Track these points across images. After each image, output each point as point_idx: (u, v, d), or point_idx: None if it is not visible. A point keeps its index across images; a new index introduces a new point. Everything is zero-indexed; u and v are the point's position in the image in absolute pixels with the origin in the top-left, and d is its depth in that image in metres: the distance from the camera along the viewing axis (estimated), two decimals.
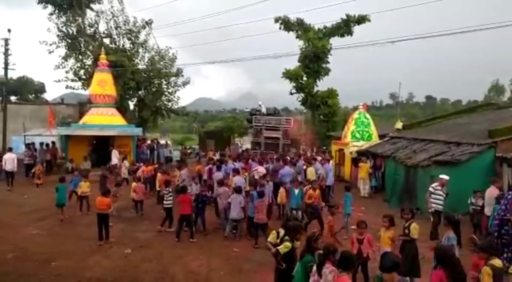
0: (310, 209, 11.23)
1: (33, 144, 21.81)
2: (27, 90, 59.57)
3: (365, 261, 7.30)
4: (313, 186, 11.71)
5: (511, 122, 13.97)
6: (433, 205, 10.57)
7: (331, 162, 17.52)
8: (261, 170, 14.17)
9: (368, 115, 22.25)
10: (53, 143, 22.19)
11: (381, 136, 21.50)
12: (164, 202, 11.60)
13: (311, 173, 14.93)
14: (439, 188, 10.58)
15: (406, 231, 7.31)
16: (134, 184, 13.51)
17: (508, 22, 11.77)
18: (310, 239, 5.69)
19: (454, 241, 6.91)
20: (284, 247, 6.25)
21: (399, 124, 22.49)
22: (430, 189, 10.74)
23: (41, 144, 21.93)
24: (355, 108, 24.36)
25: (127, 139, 22.52)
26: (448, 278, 4.86)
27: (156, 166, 17.46)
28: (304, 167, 15.85)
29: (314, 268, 5.22)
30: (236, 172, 13.41)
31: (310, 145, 34.85)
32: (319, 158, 17.47)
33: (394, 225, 7.35)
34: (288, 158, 18.04)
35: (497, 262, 5.20)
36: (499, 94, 62.32)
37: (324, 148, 28.03)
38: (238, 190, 10.86)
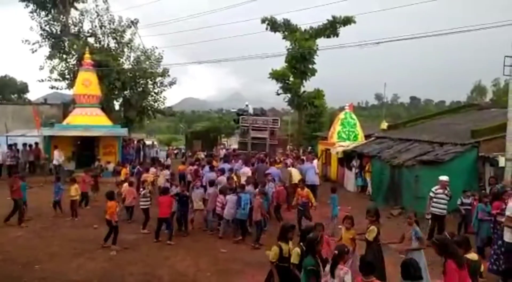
0: (299, 207, 11.32)
1: (15, 144, 21.40)
2: (10, 90, 58.41)
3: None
4: (299, 185, 11.82)
5: (493, 123, 14.27)
6: (433, 209, 10.02)
7: (314, 161, 17.42)
8: (246, 170, 14.16)
9: (354, 116, 22.47)
10: (36, 143, 21.81)
11: (367, 137, 21.74)
12: (140, 203, 11.39)
13: (295, 173, 14.95)
14: (440, 191, 10.03)
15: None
16: (125, 185, 13.31)
17: (488, 24, 12.01)
18: (312, 241, 5.44)
19: (421, 234, 7.17)
20: (295, 256, 5.80)
21: (384, 125, 22.77)
22: (431, 193, 10.16)
23: (24, 144, 21.53)
24: (342, 108, 24.58)
25: (113, 140, 22.26)
26: (457, 264, 4.94)
27: (137, 168, 17.14)
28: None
29: (327, 268, 5.15)
30: (229, 171, 13.47)
31: (297, 145, 35.06)
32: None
33: (353, 226, 7.35)
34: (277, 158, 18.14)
35: (472, 255, 5.50)
36: (481, 95, 63.66)
37: (310, 147, 28.20)
38: (233, 189, 10.98)
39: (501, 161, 12.11)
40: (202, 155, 28.67)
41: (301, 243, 5.92)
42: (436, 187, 10.14)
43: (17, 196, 11.71)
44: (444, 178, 10.10)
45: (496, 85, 59.41)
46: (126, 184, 13.07)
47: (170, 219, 10.49)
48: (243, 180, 12.88)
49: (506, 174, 11.92)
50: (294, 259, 5.79)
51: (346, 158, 19.54)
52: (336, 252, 5.13)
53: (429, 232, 10.00)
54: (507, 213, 7.43)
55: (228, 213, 10.60)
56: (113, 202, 10.00)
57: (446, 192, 10.00)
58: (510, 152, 11.98)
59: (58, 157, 19.83)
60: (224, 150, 27.88)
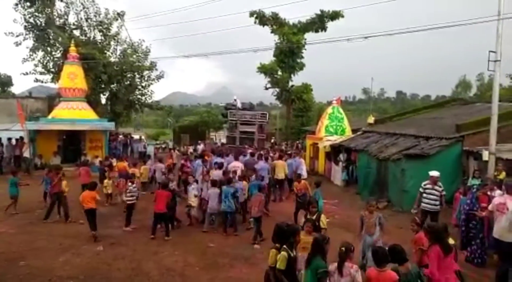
0: (298, 199, 11.43)
1: None
2: None
3: None
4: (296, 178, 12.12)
5: (478, 117, 14.50)
6: (423, 204, 9.76)
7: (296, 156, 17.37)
8: (237, 164, 14.14)
9: (341, 110, 22.64)
10: (21, 138, 21.45)
11: (354, 131, 21.92)
12: (127, 198, 11.17)
13: (281, 167, 15.01)
14: (430, 186, 9.75)
15: (316, 223, 7.04)
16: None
17: (473, 19, 12.14)
18: (321, 242, 5.17)
19: (384, 220, 7.46)
20: (281, 261, 5.30)
21: (371, 119, 22.99)
22: (420, 189, 9.96)
23: (9, 139, 21.16)
24: (329, 103, 24.73)
25: (99, 134, 22.01)
26: (442, 250, 5.36)
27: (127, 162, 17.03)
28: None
29: (334, 266, 4.98)
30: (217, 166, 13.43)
31: (285, 138, 35.17)
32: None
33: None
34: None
35: (450, 240, 5.82)
36: (466, 90, 64.61)
37: (298, 142, 28.31)
38: (214, 183, 11.02)
39: (485, 155, 12.30)
40: (191, 149, 28.61)
41: (285, 246, 5.47)
42: (426, 182, 9.94)
43: (57, 189, 11.69)
44: (434, 173, 9.80)
45: (480, 80, 60.40)
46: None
47: (166, 215, 10.30)
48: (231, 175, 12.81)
49: (490, 168, 12.15)
50: (281, 264, 5.29)
51: (334, 152, 19.70)
52: (343, 249, 4.99)
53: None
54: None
55: (211, 206, 10.72)
56: (94, 192, 10.14)
57: (436, 187, 9.71)
58: (494, 146, 12.20)
59: (22, 149, 19.98)
60: (202, 146, 27.50)
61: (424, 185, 9.91)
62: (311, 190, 11.57)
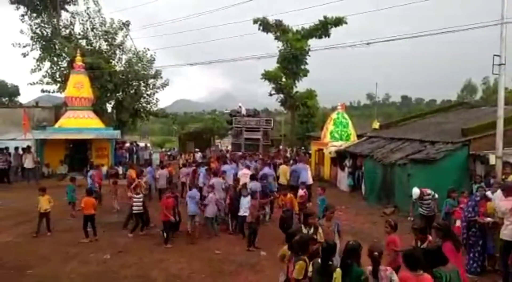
0: (282, 214, 10.87)
1: (7, 148, 21.20)
2: (0, 93, 57.78)
3: None
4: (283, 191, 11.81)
5: (484, 121, 14.39)
6: (420, 210, 9.98)
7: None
8: (246, 172, 14.08)
9: (346, 116, 22.59)
10: (29, 147, 21.63)
11: (359, 136, 21.86)
12: (134, 207, 11.14)
13: (283, 172, 14.94)
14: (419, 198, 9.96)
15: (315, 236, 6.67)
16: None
17: (477, 24, 12.15)
18: (357, 248, 4.96)
19: (341, 227, 7.41)
20: (298, 271, 5.14)
21: (376, 124, 22.92)
22: (412, 199, 10.17)
23: (16, 148, 21.35)
24: (334, 108, 24.70)
25: (105, 142, 22.17)
26: (455, 246, 5.67)
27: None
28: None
29: (369, 269, 4.84)
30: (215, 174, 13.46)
31: (290, 145, 35.14)
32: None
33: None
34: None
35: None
36: (471, 94, 64.34)
37: (303, 148, 28.23)
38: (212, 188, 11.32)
39: (492, 159, 12.21)
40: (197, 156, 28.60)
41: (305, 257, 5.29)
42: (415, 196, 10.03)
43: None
44: (415, 193, 9.86)
45: (486, 84, 60.08)
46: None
47: (169, 223, 10.26)
48: (242, 181, 12.64)
49: (497, 172, 12.03)
50: (299, 274, 5.12)
51: (339, 158, 19.65)
52: (376, 253, 4.88)
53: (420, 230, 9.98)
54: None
55: (210, 211, 10.88)
56: (92, 198, 10.82)
57: (425, 197, 9.82)
58: (501, 149, 12.10)
59: (29, 161, 20.05)
60: (199, 154, 27.38)
61: (414, 199, 10.05)
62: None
